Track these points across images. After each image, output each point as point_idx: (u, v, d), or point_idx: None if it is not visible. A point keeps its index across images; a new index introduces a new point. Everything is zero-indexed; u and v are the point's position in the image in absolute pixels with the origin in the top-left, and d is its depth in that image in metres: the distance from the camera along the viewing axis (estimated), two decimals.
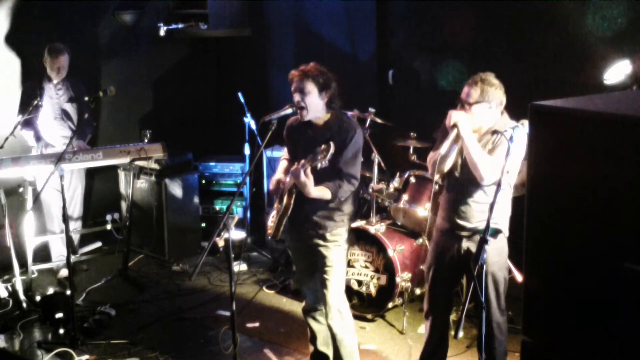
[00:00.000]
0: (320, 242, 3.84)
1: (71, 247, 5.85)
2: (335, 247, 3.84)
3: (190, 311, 5.22)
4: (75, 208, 5.93)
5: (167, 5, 6.98)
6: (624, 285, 2.33)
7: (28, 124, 5.51)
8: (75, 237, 5.99)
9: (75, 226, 5.92)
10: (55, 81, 5.63)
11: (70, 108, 5.73)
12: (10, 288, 5.39)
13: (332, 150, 3.47)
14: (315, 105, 3.72)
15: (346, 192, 3.75)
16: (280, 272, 5.88)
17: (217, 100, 7.71)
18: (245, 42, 7.26)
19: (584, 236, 2.43)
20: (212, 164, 6.72)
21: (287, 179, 3.84)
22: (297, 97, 3.73)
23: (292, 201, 3.75)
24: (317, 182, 3.65)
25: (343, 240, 3.88)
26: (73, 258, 5.71)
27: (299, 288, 4.30)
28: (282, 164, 4.07)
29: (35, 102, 5.35)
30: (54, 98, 5.63)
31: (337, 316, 3.89)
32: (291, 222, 3.90)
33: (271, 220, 3.93)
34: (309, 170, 3.56)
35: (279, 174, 4.00)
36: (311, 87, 3.69)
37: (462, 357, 4.48)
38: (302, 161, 3.59)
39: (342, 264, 3.91)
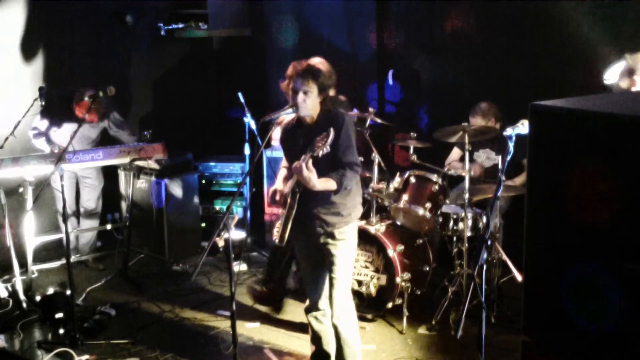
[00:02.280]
0: (329, 240, 3.82)
1: (91, 243, 6.17)
2: (343, 245, 3.83)
3: (190, 311, 5.23)
4: (99, 205, 6.11)
5: (167, 5, 6.98)
6: (624, 285, 2.33)
7: (39, 133, 5.62)
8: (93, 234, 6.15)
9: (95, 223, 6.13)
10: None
11: (94, 132, 5.83)
12: (10, 288, 5.39)
13: (332, 135, 3.45)
14: (314, 104, 3.72)
15: (351, 180, 3.71)
16: None
17: (217, 100, 7.71)
18: (245, 42, 7.27)
19: (583, 236, 2.43)
20: (212, 164, 6.72)
21: (288, 184, 3.83)
22: (300, 97, 3.70)
23: (296, 202, 3.74)
24: (320, 176, 3.64)
25: (351, 238, 3.86)
26: (73, 258, 5.73)
27: (302, 287, 4.29)
28: (282, 172, 4.06)
29: (36, 101, 5.36)
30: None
31: (342, 315, 3.89)
32: (297, 220, 3.86)
33: (277, 226, 3.91)
34: (310, 163, 3.54)
35: (278, 183, 3.99)
36: (313, 88, 3.69)
37: (462, 357, 4.48)
38: (303, 156, 3.57)
39: (350, 262, 3.90)
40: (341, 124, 3.69)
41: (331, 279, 3.86)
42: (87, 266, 6.09)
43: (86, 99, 5.47)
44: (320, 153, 3.48)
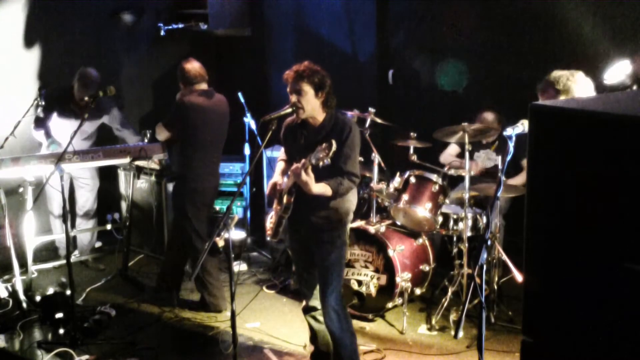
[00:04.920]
0: (319, 243, 3.84)
1: (90, 243, 6.18)
2: (333, 248, 3.84)
3: (190, 311, 5.22)
4: (94, 206, 6.11)
5: (167, 5, 6.98)
6: (624, 285, 2.33)
7: (39, 123, 5.60)
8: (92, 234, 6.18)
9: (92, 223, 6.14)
10: (78, 100, 5.64)
11: (90, 126, 5.79)
12: (10, 288, 5.39)
13: (334, 148, 3.47)
14: (312, 106, 3.73)
15: (347, 189, 3.75)
16: (280, 272, 5.88)
17: None
18: (245, 42, 7.26)
19: (583, 236, 2.43)
20: None
21: (285, 180, 3.85)
22: (293, 98, 3.74)
23: (292, 201, 3.76)
24: (318, 180, 3.66)
25: (341, 241, 3.88)
26: (73, 258, 5.73)
27: (299, 287, 4.30)
28: (280, 165, 4.07)
29: (36, 102, 5.36)
30: (76, 116, 5.59)
31: (334, 317, 3.90)
32: (290, 222, 3.90)
33: (270, 222, 3.94)
34: (310, 169, 3.57)
35: (276, 176, 4.01)
36: (307, 88, 3.69)
37: (462, 357, 4.48)
38: (303, 160, 3.59)
39: (340, 264, 3.91)
40: (347, 135, 3.72)
41: (321, 281, 3.88)
42: (87, 266, 6.09)
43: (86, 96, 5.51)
44: (321, 164, 3.50)
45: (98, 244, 6.39)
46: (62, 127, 5.66)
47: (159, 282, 5.42)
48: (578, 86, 4.14)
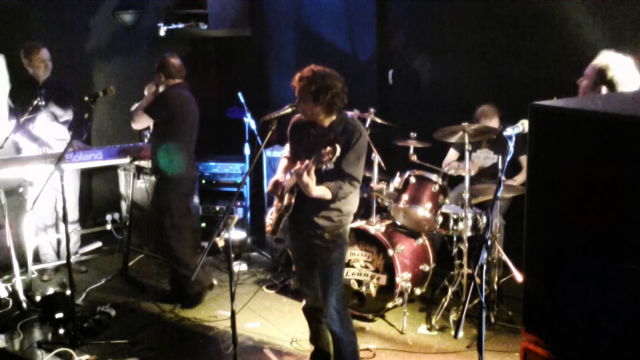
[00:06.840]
0: (319, 242, 3.84)
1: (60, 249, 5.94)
2: (334, 247, 3.85)
3: (190, 311, 5.22)
4: (77, 211, 5.95)
5: (167, 5, 6.98)
6: (624, 285, 2.33)
7: (19, 128, 5.48)
8: (73, 238, 5.96)
9: (71, 228, 5.86)
10: (41, 80, 5.58)
11: (57, 109, 5.68)
12: (10, 288, 5.39)
13: (338, 153, 3.47)
14: (311, 111, 3.73)
15: (346, 193, 3.75)
16: (280, 272, 5.88)
17: (217, 100, 7.71)
18: (245, 42, 7.27)
19: (583, 236, 2.43)
20: (212, 164, 6.72)
21: (287, 178, 3.85)
22: (297, 101, 3.76)
23: (293, 200, 3.76)
24: (319, 181, 3.66)
25: (342, 241, 3.88)
26: (73, 258, 5.71)
27: (299, 287, 4.31)
28: (282, 163, 4.07)
29: (36, 102, 5.35)
30: (40, 101, 5.52)
31: (336, 316, 3.90)
32: (291, 221, 3.91)
33: (269, 218, 3.94)
34: (312, 171, 3.57)
35: (278, 174, 4.00)
36: (305, 95, 3.69)
37: (462, 357, 4.48)
38: (307, 162, 3.59)
39: (341, 264, 3.91)
40: (356, 140, 3.71)
41: (322, 280, 3.89)
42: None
43: (44, 55, 5.51)
44: (324, 168, 3.51)
45: (98, 244, 6.38)
46: (41, 121, 5.60)
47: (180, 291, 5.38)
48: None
